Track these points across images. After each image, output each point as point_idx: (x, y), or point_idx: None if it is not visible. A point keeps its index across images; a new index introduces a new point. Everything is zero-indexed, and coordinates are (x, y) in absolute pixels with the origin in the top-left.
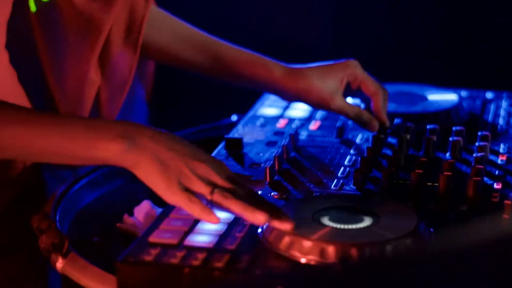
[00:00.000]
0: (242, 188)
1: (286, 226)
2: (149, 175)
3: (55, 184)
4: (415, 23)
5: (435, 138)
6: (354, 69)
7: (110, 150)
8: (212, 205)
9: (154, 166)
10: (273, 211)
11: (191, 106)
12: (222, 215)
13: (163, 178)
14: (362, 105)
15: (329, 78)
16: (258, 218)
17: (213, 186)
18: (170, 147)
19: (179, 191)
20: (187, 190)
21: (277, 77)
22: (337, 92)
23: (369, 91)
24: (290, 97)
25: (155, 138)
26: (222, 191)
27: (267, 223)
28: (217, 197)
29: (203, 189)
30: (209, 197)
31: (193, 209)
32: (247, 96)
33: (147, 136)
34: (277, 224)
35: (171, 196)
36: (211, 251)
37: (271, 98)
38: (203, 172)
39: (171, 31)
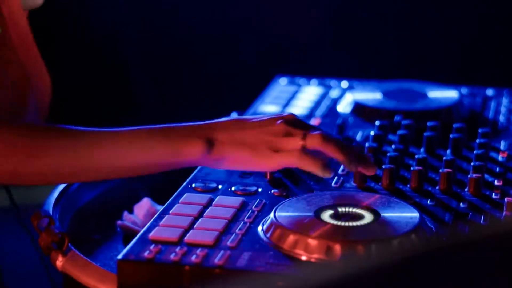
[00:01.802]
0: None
1: (370, 171)
2: (243, 162)
3: None
4: (416, 21)
5: (435, 135)
6: None
7: (193, 153)
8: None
9: (242, 152)
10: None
11: (190, 104)
12: (223, 212)
13: (258, 157)
14: None
15: None
16: (350, 159)
17: (302, 133)
18: (241, 128)
19: (280, 157)
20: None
21: None
22: None
23: None
24: None
25: (223, 128)
26: (312, 135)
27: (269, 220)
28: (310, 142)
29: (296, 142)
30: (303, 143)
31: (307, 163)
32: (247, 93)
33: (216, 129)
34: (363, 169)
35: (278, 164)
36: (211, 249)
37: (272, 95)
38: (283, 129)
39: None
